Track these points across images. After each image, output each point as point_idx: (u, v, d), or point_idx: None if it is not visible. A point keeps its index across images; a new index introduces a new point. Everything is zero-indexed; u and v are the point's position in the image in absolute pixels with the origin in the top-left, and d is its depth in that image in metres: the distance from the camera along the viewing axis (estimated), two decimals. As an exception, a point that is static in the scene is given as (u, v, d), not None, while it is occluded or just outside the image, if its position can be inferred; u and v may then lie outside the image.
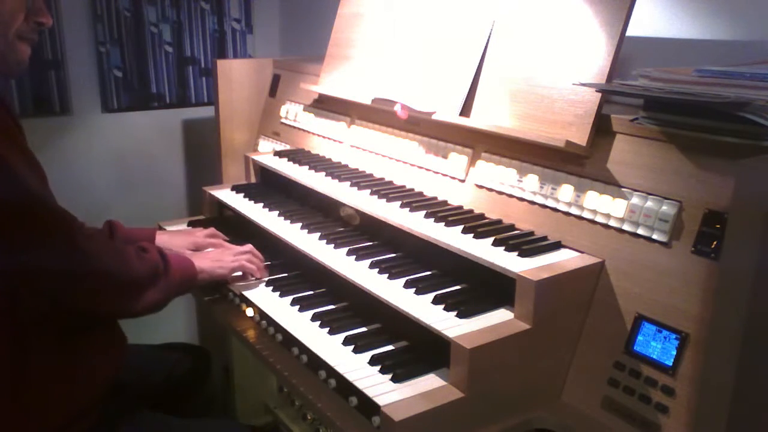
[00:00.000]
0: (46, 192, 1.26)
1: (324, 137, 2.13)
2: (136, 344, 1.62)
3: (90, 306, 1.33)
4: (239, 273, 1.65)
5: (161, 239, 1.73)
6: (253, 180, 2.19)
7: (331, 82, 2.06)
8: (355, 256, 1.53)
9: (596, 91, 1.33)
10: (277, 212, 1.83)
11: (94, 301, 1.32)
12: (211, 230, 1.85)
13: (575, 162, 1.39)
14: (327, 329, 1.42)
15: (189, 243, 1.75)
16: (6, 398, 1.25)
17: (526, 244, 1.34)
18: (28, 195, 1.18)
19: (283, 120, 2.34)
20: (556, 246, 1.37)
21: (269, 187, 2.09)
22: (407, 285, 1.39)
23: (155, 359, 1.80)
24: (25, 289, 1.23)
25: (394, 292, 1.37)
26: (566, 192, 1.38)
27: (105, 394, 1.38)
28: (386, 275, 1.43)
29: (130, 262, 1.37)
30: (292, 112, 2.30)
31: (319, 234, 1.66)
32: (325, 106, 2.15)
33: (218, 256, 1.63)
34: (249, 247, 1.68)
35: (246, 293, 1.61)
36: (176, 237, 1.78)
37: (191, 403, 1.81)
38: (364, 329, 1.44)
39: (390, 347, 1.37)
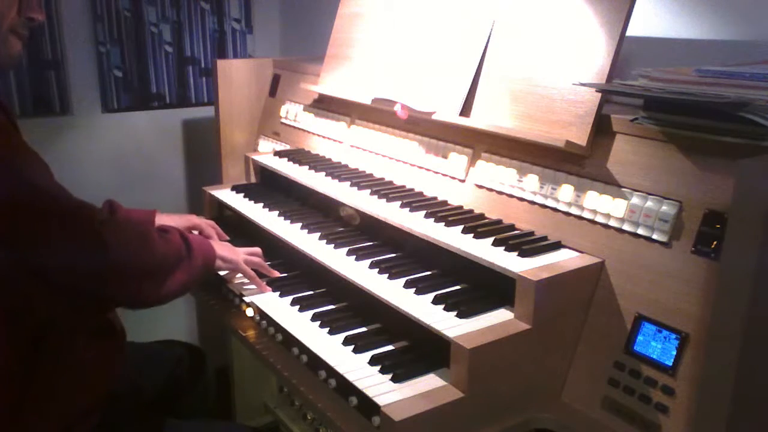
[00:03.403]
0: (55, 185, 1.21)
1: (324, 137, 2.13)
2: (131, 341, 1.61)
3: (116, 296, 1.28)
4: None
5: (160, 219, 1.70)
6: (253, 180, 2.20)
7: (331, 82, 2.06)
8: (355, 256, 1.53)
9: (596, 91, 1.33)
10: (277, 212, 1.83)
11: (121, 290, 1.27)
12: (210, 222, 1.83)
13: (575, 162, 1.39)
14: (327, 329, 1.42)
15: (185, 222, 1.74)
16: (10, 402, 1.24)
17: (526, 244, 1.34)
18: (38, 192, 1.15)
19: (283, 120, 2.34)
20: (556, 246, 1.37)
21: (269, 187, 2.09)
22: (407, 285, 1.39)
23: (153, 357, 1.79)
24: (43, 289, 1.17)
25: (394, 292, 1.37)
26: (566, 192, 1.38)
27: (106, 393, 1.38)
28: (386, 275, 1.43)
29: (155, 246, 1.33)
30: (292, 112, 2.30)
31: (319, 234, 1.66)
32: (325, 106, 2.15)
33: (232, 248, 1.62)
34: (258, 251, 1.67)
35: (246, 293, 1.61)
36: (175, 218, 1.76)
37: (186, 402, 1.80)
38: (364, 329, 1.44)
39: (390, 347, 1.37)
